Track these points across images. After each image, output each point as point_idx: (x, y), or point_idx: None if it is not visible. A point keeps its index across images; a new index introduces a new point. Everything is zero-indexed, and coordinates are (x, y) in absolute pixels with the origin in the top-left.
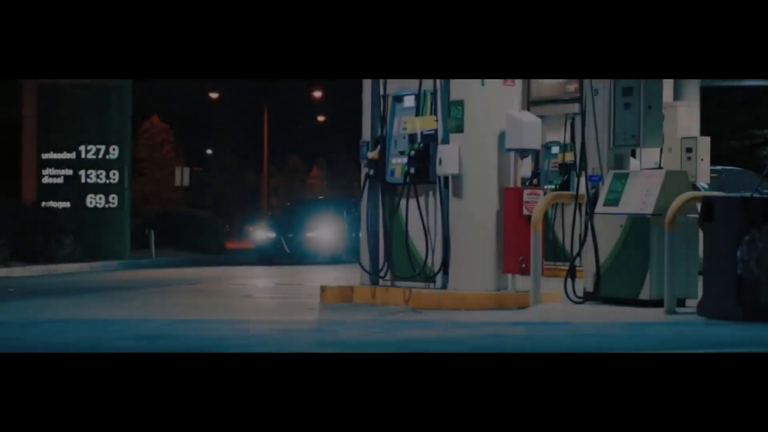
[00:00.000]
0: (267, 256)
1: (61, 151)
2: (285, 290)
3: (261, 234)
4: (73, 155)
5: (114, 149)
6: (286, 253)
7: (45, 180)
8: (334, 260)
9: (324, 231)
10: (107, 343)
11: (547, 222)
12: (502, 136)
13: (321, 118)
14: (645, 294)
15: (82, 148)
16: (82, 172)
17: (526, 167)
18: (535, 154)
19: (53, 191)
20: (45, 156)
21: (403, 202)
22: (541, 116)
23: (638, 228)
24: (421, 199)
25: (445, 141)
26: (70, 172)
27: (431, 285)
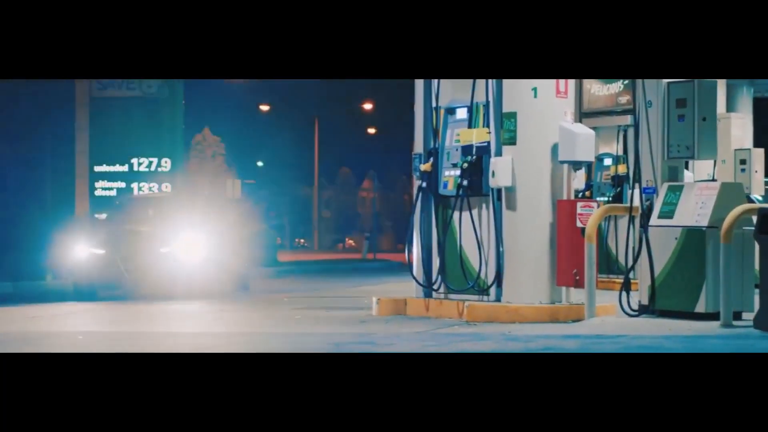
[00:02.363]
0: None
1: (113, 164)
2: (337, 302)
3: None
4: (125, 168)
5: (166, 161)
6: None
7: (98, 192)
8: None
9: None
10: None
11: (600, 234)
12: (554, 148)
13: (372, 131)
14: (701, 307)
15: (134, 160)
16: (134, 185)
17: (579, 179)
18: (588, 166)
19: (106, 204)
20: (97, 168)
21: (456, 214)
22: (593, 128)
23: (693, 240)
24: (474, 212)
25: (498, 153)
26: (122, 184)
27: (485, 298)
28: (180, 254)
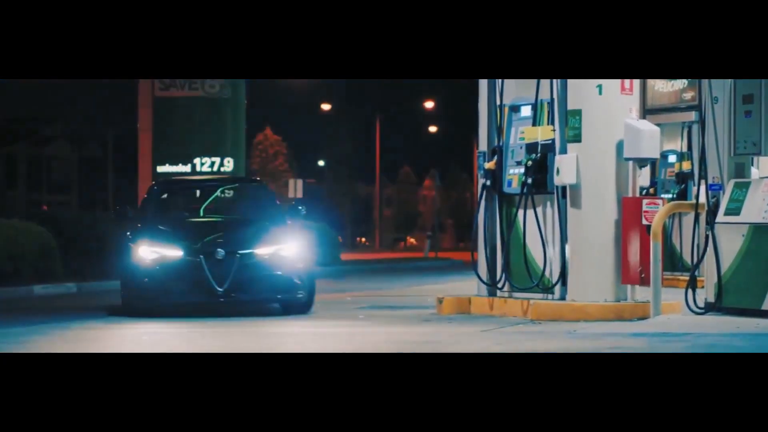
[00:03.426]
0: None
1: (176, 164)
2: (401, 300)
3: None
4: (188, 168)
5: (229, 161)
6: None
7: None
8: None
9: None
10: None
11: (665, 232)
12: (620, 145)
13: (433, 129)
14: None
15: (197, 160)
16: None
17: (643, 176)
18: (652, 163)
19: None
20: (160, 169)
21: (520, 212)
22: (657, 124)
23: (760, 237)
24: (539, 210)
25: (563, 150)
26: None
27: (549, 296)
28: (286, 256)
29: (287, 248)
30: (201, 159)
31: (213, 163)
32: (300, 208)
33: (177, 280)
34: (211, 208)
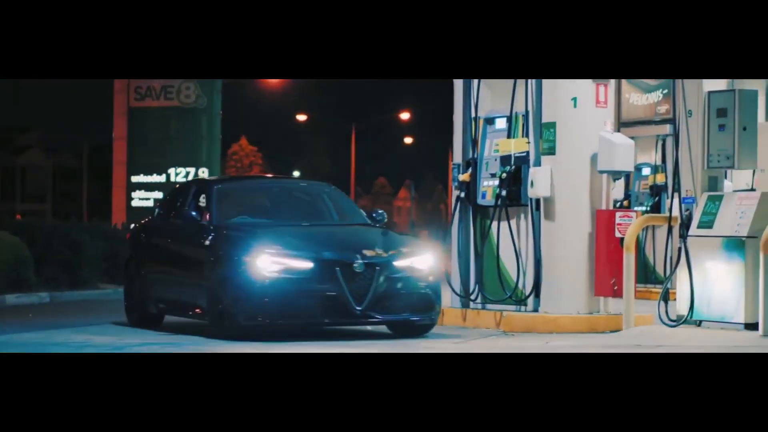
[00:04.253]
0: None
1: (150, 174)
2: None
3: None
4: (162, 178)
5: (203, 171)
6: None
7: (135, 203)
8: None
9: None
10: None
11: (638, 244)
12: (594, 158)
13: (409, 140)
14: (740, 317)
15: (171, 170)
16: None
17: (617, 189)
18: (626, 175)
19: (143, 214)
20: (135, 179)
21: (494, 224)
22: (631, 137)
23: (733, 250)
24: (513, 222)
25: (537, 163)
26: (159, 194)
27: (522, 308)
28: (422, 269)
29: (422, 260)
30: (176, 169)
31: (188, 173)
32: (380, 212)
33: (307, 297)
34: (287, 213)
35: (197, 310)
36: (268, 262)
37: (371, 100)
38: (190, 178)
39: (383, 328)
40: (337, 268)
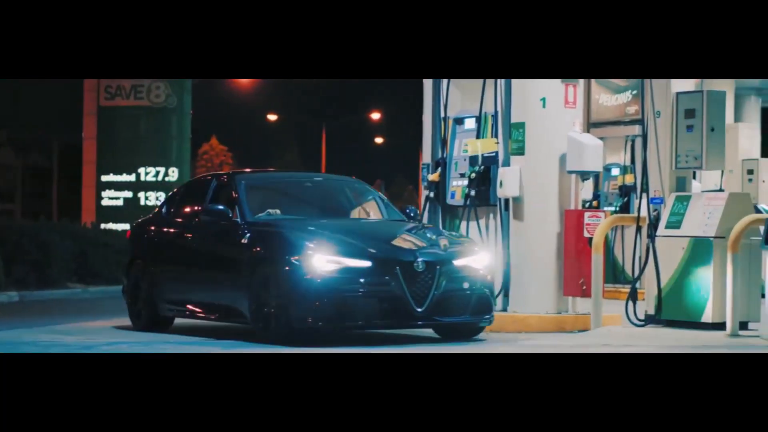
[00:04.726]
0: None
1: (120, 173)
2: None
3: None
4: (132, 177)
5: (173, 171)
6: None
7: (104, 202)
8: None
9: None
10: None
11: (607, 244)
12: (563, 159)
13: (379, 140)
14: (707, 317)
15: (141, 170)
16: (141, 194)
17: (586, 189)
18: (596, 176)
19: (113, 213)
20: (104, 178)
21: (463, 224)
22: (601, 138)
23: (700, 251)
24: (482, 222)
25: (506, 163)
26: (129, 194)
27: None
28: (479, 269)
29: (479, 258)
30: (146, 169)
31: (158, 173)
32: (413, 207)
33: (365, 298)
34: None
35: (230, 313)
36: (323, 261)
37: (342, 100)
38: (160, 177)
39: (428, 332)
40: (398, 268)
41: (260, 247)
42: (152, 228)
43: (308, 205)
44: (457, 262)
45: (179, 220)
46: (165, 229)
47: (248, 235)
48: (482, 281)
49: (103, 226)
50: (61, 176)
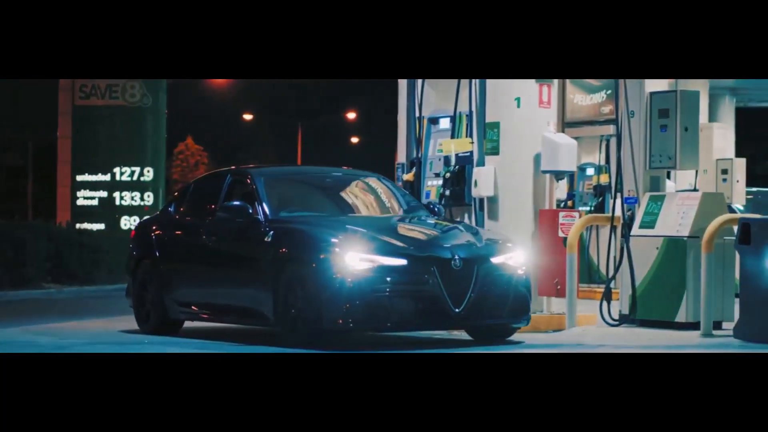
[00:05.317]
0: None
1: (95, 173)
2: None
3: None
4: (107, 177)
5: (149, 171)
6: None
7: (80, 202)
8: None
9: None
10: None
11: (582, 244)
12: (537, 158)
13: (355, 140)
14: (681, 316)
15: (116, 169)
16: (116, 194)
17: (561, 189)
18: (570, 175)
19: (88, 213)
20: (80, 178)
21: None
22: (575, 138)
23: (674, 250)
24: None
25: (481, 163)
26: (104, 194)
27: None
28: (516, 267)
29: (515, 256)
30: (121, 168)
31: (133, 172)
32: (437, 203)
33: (400, 299)
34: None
35: (250, 315)
36: (356, 260)
37: (318, 99)
38: (135, 177)
39: (461, 335)
40: (434, 266)
41: (285, 245)
42: (160, 227)
43: (331, 201)
44: (495, 260)
45: (189, 218)
46: (175, 228)
47: (271, 233)
48: (520, 279)
49: (78, 225)
50: (36, 176)
